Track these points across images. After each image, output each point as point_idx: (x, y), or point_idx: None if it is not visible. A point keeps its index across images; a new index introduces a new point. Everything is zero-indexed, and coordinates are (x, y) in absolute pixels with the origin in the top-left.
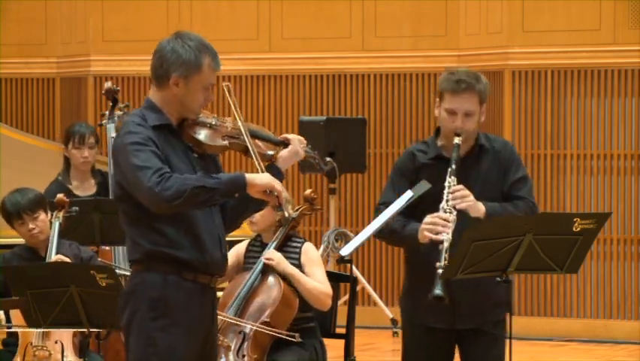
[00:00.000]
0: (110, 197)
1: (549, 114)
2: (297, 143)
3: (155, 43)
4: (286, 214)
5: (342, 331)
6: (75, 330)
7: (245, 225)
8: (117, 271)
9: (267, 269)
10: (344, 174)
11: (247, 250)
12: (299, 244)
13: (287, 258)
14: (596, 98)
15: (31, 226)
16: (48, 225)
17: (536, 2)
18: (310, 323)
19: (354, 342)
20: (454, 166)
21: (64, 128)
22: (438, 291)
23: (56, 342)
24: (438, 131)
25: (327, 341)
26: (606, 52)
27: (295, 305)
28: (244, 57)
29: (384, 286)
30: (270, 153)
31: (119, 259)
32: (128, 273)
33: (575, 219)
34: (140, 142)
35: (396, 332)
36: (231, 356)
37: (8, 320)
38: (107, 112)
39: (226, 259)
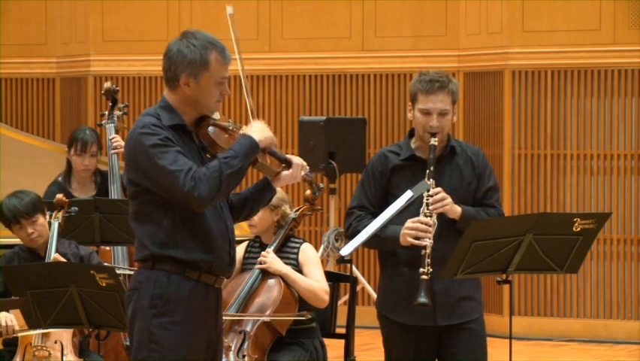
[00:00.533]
0: (110, 197)
1: (549, 114)
2: (299, 168)
3: (154, 43)
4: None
5: (342, 331)
6: (75, 330)
7: (244, 225)
8: (117, 271)
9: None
10: (344, 174)
11: (246, 251)
12: (297, 245)
13: (285, 258)
14: (596, 98)
15: (30, 230)
16: (47, 228)
17: (536, 2)
18: (310, 322)
19: (354, 342)
20: (432, 168)
21: (70, 132)
22: (422, 299)
23: (56, 342)
24: (411, 133)
25: (327, 341)
26: (606, 52)
27: (296, 305)
28: (244, 57)
29: None
30: (276, 170)
31: (119, 259)
32: (128, 272)
33: (575, 219)
34: (161, 143)
35: None
36: (232, 356)
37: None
38: (107, 112)
39: (234, 261)
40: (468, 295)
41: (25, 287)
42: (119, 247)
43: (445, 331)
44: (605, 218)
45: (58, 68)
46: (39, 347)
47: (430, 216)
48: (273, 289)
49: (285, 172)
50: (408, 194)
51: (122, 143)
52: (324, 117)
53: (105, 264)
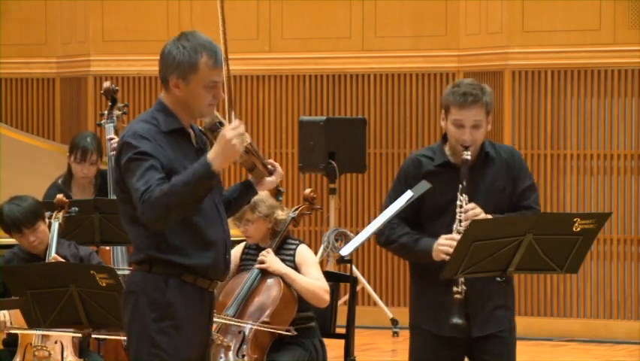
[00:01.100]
0: (109, 197)
1: (549, 114)
2: (279, 175)
3: (154, 43)
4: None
5: (342, 331)
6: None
7: None
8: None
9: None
10: (344, 174)
11: (243, 252)
12: (294, 246)
13: (282, 260)
14: (596, 98)
15: (31, 238)
16: (47, 233)
17: (536, 2)
18: (310, 322)
19: (354, 342)
20: (464, 183)
21: (70, 132)
22: (457, 320)
23: (56, 342)
24: (445, 137)
25: (327, 341)
26: (606, 52)
27: (295, 305)
28: (244, 57)
29: (384, 286)
30: (263, 175)
31: (119, 259)
32: (128, 273)
33: (575, 219)
34: (136, 158)
35: (396, 332)
36: (231, 356)
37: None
38: (106, 112)
39: (229, 266)
40: (500, 303)
41: (25, 287)
42: (119, 247)
43: (475, 341)
44: (605, 218)
45: (58, 68)
46: (39, 347)
47: None
48: (272, 289)
49: (269, 178)
50: (408, 194)
51: None
52: (324, 117)
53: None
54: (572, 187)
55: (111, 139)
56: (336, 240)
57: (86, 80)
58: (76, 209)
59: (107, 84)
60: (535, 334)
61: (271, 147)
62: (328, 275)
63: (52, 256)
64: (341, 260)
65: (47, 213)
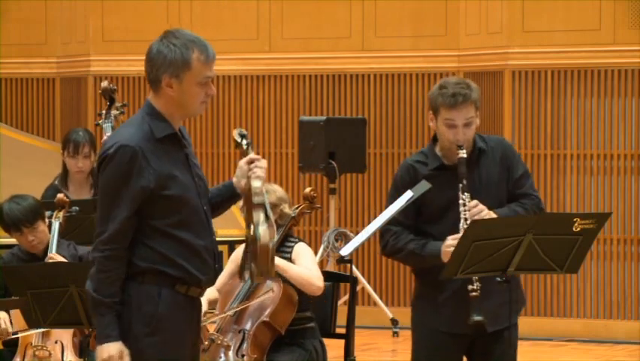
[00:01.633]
0: None
1: (549, 114)
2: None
3: None
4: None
5: (342, 331)
6: (75, 330)
7: (243, 225)
8: None
9: None
10: (344, 174)
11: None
12: (293, 244)
13: (281, 258)
14: (596, 98)
15: (30, 238)
16: (47, 233)
17: (536, 2)
18: (310, 322)
19: (354, 342)
20: (465, 182)
21: (64, 134)
22: (477, 317)
23: (56, 342)
24: (434, 139)
25: (327, 341)
26: (606, 52)
27: (295, 305)
28: (244, 57)
29: (384, 286)
30: None
31: None
32: None
33: (575, 219)
34: (118, 183)
35: (396, 332)
36: (231, 356)
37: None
38: (104, 111)
39: (218, 274)
40: (502, 300)
41: (25, 287)
42: None
43: (479, 338)
44: (605, 218)
45: (58, 68)
46: (39, 347)
47: None
48: (272, 288)
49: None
50: (408, 194)
51: None
52: (324, 117)
53: None
54: (572, 187)
55: None
56: (336, 240)
57: (86, 80)
58: (77, 208)
59: (104, 84)
60: (535, 334)
61: (271, 147)
62: (328, 275)
63: (50, 255)
64: (341, 260)
65: (48, 213)
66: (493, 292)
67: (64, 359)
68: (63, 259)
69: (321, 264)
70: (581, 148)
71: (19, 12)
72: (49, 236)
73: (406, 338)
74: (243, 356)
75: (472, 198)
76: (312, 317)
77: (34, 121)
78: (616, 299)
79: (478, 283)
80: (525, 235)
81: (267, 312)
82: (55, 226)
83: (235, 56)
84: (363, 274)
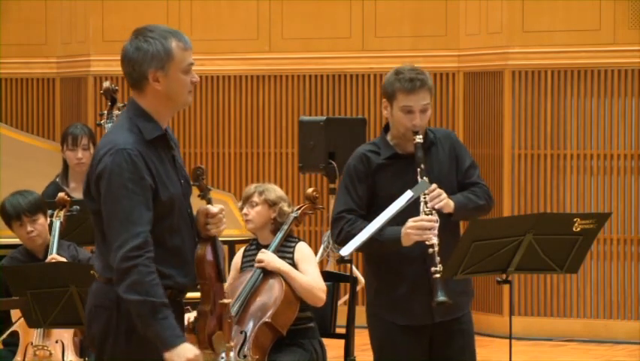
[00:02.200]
0: None
1: (549, 114)
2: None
3: None
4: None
5: (342, 331)
6: (75, 330)
7: (243, 224)
8: None
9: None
10: None
11: (244, 255)
12: (293, 244)
13: (282, 257)
14: (596, 98)
15: (29, 228)
16: (47, 229)
17: (536, 2)
18: (309, 323)
19: (354, 342)
20: (422, 166)
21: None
22: (442, 298)
23: (57, 342)
24: (386, 129)
25: (327, 341)
26: (606, 52)
27: (297, 305)
28: (244, 57)
29: None
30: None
31: None
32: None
33: (575, 219)
34: (130, 185)
35: None
36: (232, 356)
37: (9, 321)
38: (106, 112)
39: None
40: (461, 289)
41: (25, 287)
42: None
43: (437, 330)
44: (605, 218)
45: (59, 68)
46: (40, 347)
47: (432, 214)
48: (274, 289)
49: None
50: (408, 194)
51: None
52: (324, 117)
53: None
54: (572, 187)
55: None
56: None
57: (86, 80)
58: (78, 208)
59: (106, 84)
60: (535, 334)
61: (271, 147)
62: (328, 275)
63: (51, 255)
64: (341, 260)
65: (49, 212)
66: (453, 281)
67: (65, 358)
68: (64, 260)
69: (321, 264)
70: (581, 148)
71: (19, 12)
72: (49, 234)
73: None
74: (244, 356)
75: (430, 182)
76: (311, 317)
77: (34, 121)
78: (616, 299)
79: (440, 265)
80: (525, 235)
81: (269, 313)
82: (56, 225)
83: (235, 56)
84: (363, 274)
